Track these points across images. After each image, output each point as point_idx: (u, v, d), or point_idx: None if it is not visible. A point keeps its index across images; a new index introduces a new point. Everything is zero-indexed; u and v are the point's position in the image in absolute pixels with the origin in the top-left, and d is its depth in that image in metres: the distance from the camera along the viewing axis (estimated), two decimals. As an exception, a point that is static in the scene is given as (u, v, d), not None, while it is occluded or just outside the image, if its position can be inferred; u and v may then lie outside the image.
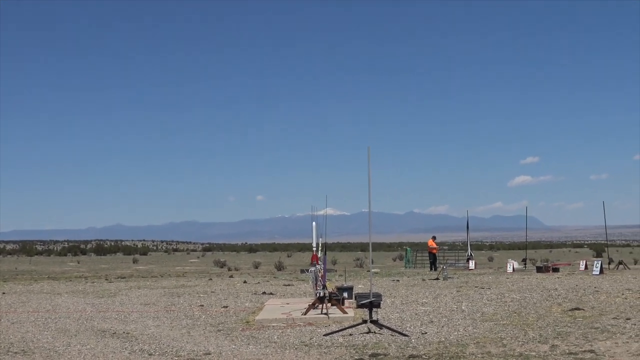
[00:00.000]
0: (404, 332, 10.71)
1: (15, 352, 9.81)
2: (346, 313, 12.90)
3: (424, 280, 23.79)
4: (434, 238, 34.87)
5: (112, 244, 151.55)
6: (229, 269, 41.12)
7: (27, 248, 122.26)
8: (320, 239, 14.85)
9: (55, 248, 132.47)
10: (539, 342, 9.70)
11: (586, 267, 28.08)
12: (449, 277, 23.92)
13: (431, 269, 32.44)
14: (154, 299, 18.03)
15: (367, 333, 10.74)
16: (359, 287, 19.41)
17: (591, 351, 8.86)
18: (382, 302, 12.41)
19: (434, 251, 33.95)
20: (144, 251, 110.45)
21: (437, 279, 23.89)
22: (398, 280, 23.75)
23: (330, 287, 14.46)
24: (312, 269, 14.07)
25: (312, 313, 13.01)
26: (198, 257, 78.55)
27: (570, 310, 13.26)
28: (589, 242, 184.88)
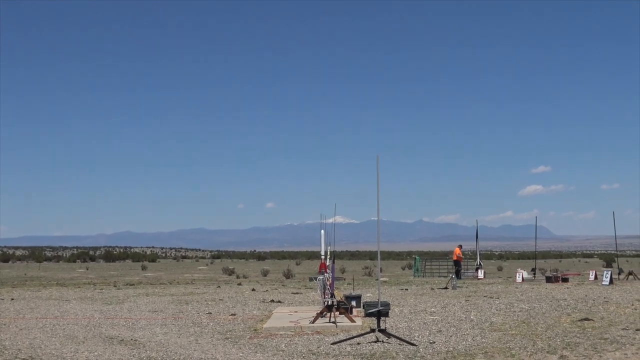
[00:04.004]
0: (412, 342, 10.68)
1: (23, 359, 9.84)
2: (354, 322, 12.88)
3: (432, 289, 23.73)
4: (460, 247, 34.88)
5: (121, 250, 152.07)
6: (238, 277, 41.13)
7: (36, 254, 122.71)
8: (329, 247, 14.84)
9: (64, 254, 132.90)
10: (547, 352, 9.65)
11: (596, 277, 27.96)
12: (458, 287, 23.86)
13: (458, 277, 32.28)
14: (162, 306, 18.06)
15: (375, 342, 10.73)
16: (368, 296, 19.38)
17: (600, 362, 8.81)
18: (390, 311, 12.40)
19: (460, 259, 34.09)
20: (153, 258, 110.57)
21: (446, 288, 23.84)
22: (407, 289, 23.71)
23: (339, 295, 14.44)
24: (321, 277, 14.06)
25: (320, 321, 13.00)
26: (207, 265, 78.61)
27: (579, 320, 13.20)
28: (599, 252, 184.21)
